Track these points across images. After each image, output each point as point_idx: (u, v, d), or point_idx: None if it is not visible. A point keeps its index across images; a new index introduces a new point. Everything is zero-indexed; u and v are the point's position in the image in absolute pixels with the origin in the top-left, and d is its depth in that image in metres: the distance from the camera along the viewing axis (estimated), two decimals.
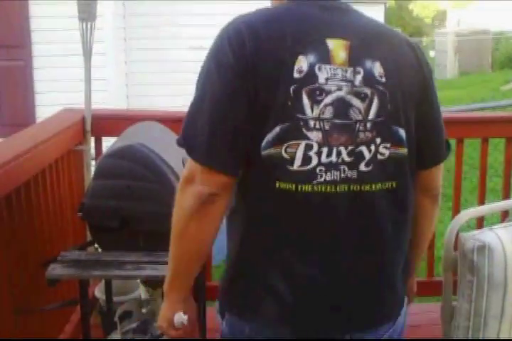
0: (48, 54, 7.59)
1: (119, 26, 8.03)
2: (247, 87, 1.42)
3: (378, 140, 1.49)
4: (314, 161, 1.44)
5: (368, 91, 1.48)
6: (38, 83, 7.77)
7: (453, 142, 3.31)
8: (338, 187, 1.47)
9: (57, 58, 7.50)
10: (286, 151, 1.44)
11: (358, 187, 1.49)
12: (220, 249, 3.54)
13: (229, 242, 1.62)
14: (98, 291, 2.66)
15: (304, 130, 1.43)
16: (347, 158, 1.47)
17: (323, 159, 1.45)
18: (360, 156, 1.48)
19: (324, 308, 1.54)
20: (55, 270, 2.02)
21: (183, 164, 2.19)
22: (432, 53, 27.55)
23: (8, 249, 2.20)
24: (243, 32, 1.46)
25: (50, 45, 7.54)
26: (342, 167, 1.47)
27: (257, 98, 1.42)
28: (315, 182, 1.45)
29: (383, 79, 1.50)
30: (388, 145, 1.51)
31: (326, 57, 1.46)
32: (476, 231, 2.27)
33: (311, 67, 1.44)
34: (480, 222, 3.32)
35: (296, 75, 1.43)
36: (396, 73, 1.53)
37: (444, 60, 23.13)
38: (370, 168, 1.49)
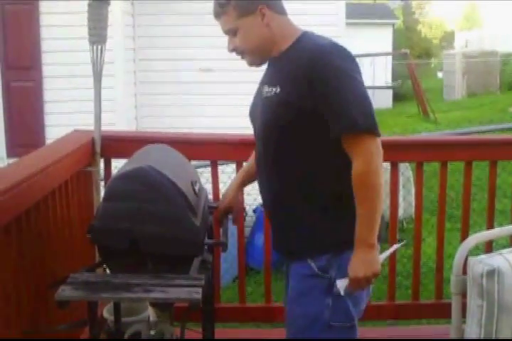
0: (58, 75, 7.65)
1: (128, 47, 8.10)
2: None
3: None
4: None
5: None
6: (48, 104, 7.83)
7: (462, 165, 3.32)
8: None
9: (67, 79, 7.56)
10: None
11: None
12: (225, 270, 3.55)
13: None
14: (106, 312, 2.66)
15: None
16: None
17: None
18: None
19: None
20: (65, 292, 2.02)
21: (192, 186, 2.20)
22: (440, 74, 27.63)
23: (18, 270, 2.20)
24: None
25: (60, 66, 7.61)
26: None
27: None
28: None
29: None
30: None
31: None
32: (484, 256, 2.27)
33: None
34: (489, 244, 3.32)
35: None
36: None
37: (452, 81, 23.17)
38: None
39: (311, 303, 2.15)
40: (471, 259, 2.29)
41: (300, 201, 2.18)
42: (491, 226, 3.24)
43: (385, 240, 2.26)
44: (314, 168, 2.15)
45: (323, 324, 2.13)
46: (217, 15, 2.24)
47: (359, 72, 2.11)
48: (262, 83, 2.29)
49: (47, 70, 7.75)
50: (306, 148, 2.15)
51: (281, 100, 2.12)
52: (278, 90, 2.14)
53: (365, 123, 2.04)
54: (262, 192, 2.32)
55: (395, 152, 3.22)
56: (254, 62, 2.27)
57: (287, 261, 2.34)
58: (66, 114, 7.44)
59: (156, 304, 2.47)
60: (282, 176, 2.20)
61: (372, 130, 2.06)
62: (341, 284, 2.07)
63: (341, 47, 2.15)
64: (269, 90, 2.18)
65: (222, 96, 7.83)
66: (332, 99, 2.05)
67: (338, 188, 2.13)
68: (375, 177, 2.03)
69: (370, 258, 2.05)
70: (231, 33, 2.23)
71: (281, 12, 2.25)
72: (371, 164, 2.03)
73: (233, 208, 2.63)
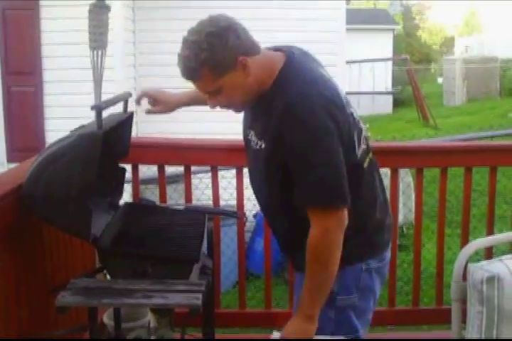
0: (59, 80, 7.66)
1: (128, 53, 8.11)
2: None
3: None
4: None
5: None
6: (48, 109, 7.83)
7: (462, 170, 3.32)
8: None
9: (68, 84, 7.56)
10: None
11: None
12: (225, 275, 3.55)
13: None
14: (107, 317, 2.66)
15: None
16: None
17: None
18: None
19: None
20: (65, 297, 2.02)
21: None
22: (439, 80, 27.64)
23: (18, 275, 2.20)
24: None
25: (60, 71, 7.61)
26: None
27: None
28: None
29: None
30: None
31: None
32: (484, 262, 2.27)
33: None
34: (489, 250, 3.32)
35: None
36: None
37: (452, 87, 23.19)
38: None
39: None
40: (471, 265, 2.29)
41: (300, 223, 2.11)
42: (490, 232, 3.24)
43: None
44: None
45: (326, 335, 2.15)
46: (191, 79, 2.01)
47: (334, 125, 1.94)
48: (247, 125, 2.20)
49: (47, 75, 7.75)
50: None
51: (267, 156, 2.05)
52: (263, 146, 2.05)
53: (322, 199, 1.96)
54: (257, 199, 2.29)
55: (395, 158, 3.23)
56: (243, 109, 2.16)
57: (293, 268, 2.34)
58: (66, 118, 7.43)
59: (156, 309, 2.47)
60: (276, 203, 2.17)
61: (329, 205, 1.96)
62: (276, 335, 2.16)
63: (318, 92, 1.96)
64: (256, 142, 2.09)
65: None
66: (295, 165, 1.97)
67: None
68: (327, 252, 1.98)
69: (305, 328, 2.06)
70: (212, 93, 2.04)
71: (257, 50, 2.03)
72: (325, 239, 1.96)
73: (156, 98, 2.63)
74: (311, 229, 1.98)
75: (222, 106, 2.08)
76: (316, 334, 2.15)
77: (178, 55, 1.99)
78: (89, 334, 2.27)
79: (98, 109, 2.07)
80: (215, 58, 1.91)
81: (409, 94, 21.74)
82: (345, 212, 1.97)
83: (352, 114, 2.07)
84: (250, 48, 1.98)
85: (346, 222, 1.97)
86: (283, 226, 2.21)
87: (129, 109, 2.63)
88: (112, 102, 2.30)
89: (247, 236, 6.51)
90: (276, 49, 2.13)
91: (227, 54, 1.92)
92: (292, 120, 1.93)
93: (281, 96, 1.96)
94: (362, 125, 2.15)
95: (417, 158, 3.31)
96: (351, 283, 2.14)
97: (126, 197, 2.93)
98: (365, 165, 2.11)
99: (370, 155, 2.16)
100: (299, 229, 2.07)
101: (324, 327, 2.13)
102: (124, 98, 2.55)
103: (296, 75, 2.00)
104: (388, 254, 2.26)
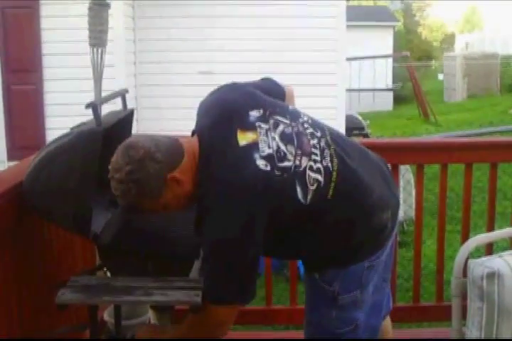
0: (59, 78, 7.66)
1: (129, 51, 8.11)
2: None
3: None
4: None
5: None
6: (48, 107, 7.83)
7: (462, 167, 3.32)
8: None
9: (68, 82, 7.56)
10: None
11: None
12: None
13: None
14: (107, 315, 2.66)
15: None
16: None
17: None
18: None
19: None
20: (65, 295, 2.02)
21: None
22: (440, 76, 27.63)
23: (19, 272, 2.21)
24: None
25: (60, 69, 7.62)
26: None
27: None
28: None
29: None
30: None
31: None
32: (485, 258, 2.27)
33: None
34: (489, 246, 3.32)
35: None
36: None
37: (452, 84, 23.19)
38: None
39: (317, 314, 2.19)
40: (472, 262, 2.29)
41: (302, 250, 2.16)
42: (491, 229, 3.24)
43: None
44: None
45: (329, 333, 2.18)
46: (139, 209, 2.03)
47: (249, 217, 1.92)
48: None
49: (47, 73, 7.76)
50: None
51: None
52: None
53: (212, 296, 1.97)
54: None
55: (396, 154, 3.22)
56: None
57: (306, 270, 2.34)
58: (67, 116, 7.44)
59: (156, 307, 2.48)
60: None
61: (218, 303, 1.97)
62: None
63: (231, 185, 1.92)
64: None
65: None
66: (203, 255, 2.01)
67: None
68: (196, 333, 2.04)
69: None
70: (162, 210, 2.04)
71: (180, 157, 1.97)
72: (198, 331, 2.04)
73: None
74: (198, 312, 2.00)
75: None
76: (319, 332, 2.18)
77: (114, 194, 1.98)
78: (90, 331, 2.28)
79: (94, 106, 2.07)
80: (145, 190, 1.92)
81: (410, 90, 21.75)
82: (238, 308, 2.02)
83: (285, 168, 1.98)
84: (173, 162, 1.95)
85: (227, 320, 2.02)
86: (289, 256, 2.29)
87: (129, 107, 2.63)
88: (108, 99, 2.30)
89: None
90: (193, 133, 2.11)
91: (154, 182, 1.92)
92: (204, 211, 1.96)
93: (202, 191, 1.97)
94: (313, 156, 2.05)
95: (417, 154, 3.31)
96: (353, 281, 2.13)
97: None
98: (330, 193, 2.03)
99: (334, 175, 2.05)
100: (293, 248, 2.14)
101: (327, 326, 2.16)
102: (120, 94, 2.55)
103: (208, 169, 1.97)
104: (389, 243, 2.24)
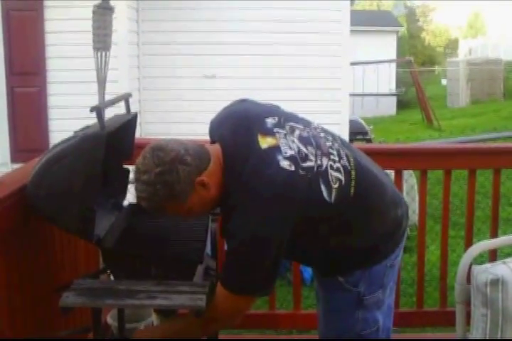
0: (63, 81, 7.67)
1: (132, 54, 8.11)
2: None
3: None
4: None
5: None
6: (52, 109, 7.83)
7: (465, 171, 3.32)
8: None
9: (72, 85, 7.57)
10: None
11: None
12: None
13: None
14: (110, 318, 2.65)
15: None
16: None
17: None
18: None
19: None
20: (69, 298, 2.02)
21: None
22: (443, 82, 27.62)
23: (23, 275, 2.21)
24: None
25: (64, 72, 7.62)
26: None
27: None
28: None
29: None
30: None
31: None
32: (489, 264, 2.26)
33: None
34: (493, 252, 3.31)
35: None
36: None
37: (456, 89, 23.19)
38: None
39: (343, 318, 2.20)
40: (475, 268, 2.29)
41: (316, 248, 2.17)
42: (495, 234, 3.24)
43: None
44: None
45: (354, 335, 2.19)
46: (161, 214, 2.13)
47: (279, 216, 1.95)
48: None
49: (51, 76, 7.75)
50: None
51: None
52: None
53: (229, 284, 2.02)
54: None
55: (399, 160, 3.23)
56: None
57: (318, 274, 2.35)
58: (70, 119, 7.43)
59: (160, 310, 2.47)
60: None
61: (239, 293, 2.02)
62: None
63: (262, 188, 1.95)
64: None
65: (227, 102, 7.80)
66: (228, 249, 2.03)
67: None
68: (214, 327, 2.16)
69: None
70: (185, 214, 2.08)
71: (208, 161, 2.00)
72: (212, 318, 2.07)
73: None
74: (214, 301, 2.04)
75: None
76: (344, 334, 2.19)
77: (138, 197, 1.99)
78: (93, 335, 2.27)
79: (98, 110, 2.07)
80: (173, 192, 1.94)
81: (413, 95, 21.77)
82: (254, 300, 2.08)
83: (309, 168, 2.01)
84: (201, 165, 1.98)
85: (249, 307, 2.10)
86: (299, 255, 2.26)
87: (133, 110, 2.63)
88: (111, 103, 2.31)
89: None
90: (213, 141, 2.14)
91: (183, 184, 1.94)
92: (231, 209, 1.98)
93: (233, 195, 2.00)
94: (331, 156, 2.08)
95: (420, 159, 3.31)
96: (377, 281, 2.16)
97: (130, 198, 2.92)
98: (352, 191, 2.07)
99: (353, 173, 2.09)
100: (316, 251, 2.16)
101: (352, 328, 2.18)
102: (123, 98, 2.55)
103: (234, 172, 2.00)
104: (403, 242, 2.27)
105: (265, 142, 2.00)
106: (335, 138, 2.20)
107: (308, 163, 2.00)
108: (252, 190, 1.94)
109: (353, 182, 2.07)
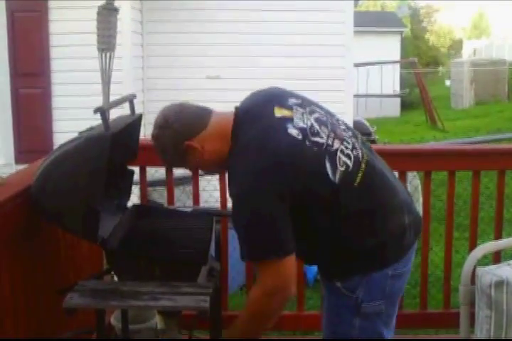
0: (67, 82, 7.67)
1: (137, 55, 8.12)
2: None
3: None
4: None
5: None
6: (56, 110, 7.83)
7: (469, 173, 3.31)
8: None
9: (76, 86, 7.57)
10: None
11: None
12: (232, 278, 3.55)
13: None
14: (114, 319, 2.66)
15: None
16: None
17: None
18: None
19: None
20: (73, 299, 2.03)
21: None
22: (447, 83, 27.57)
23: (27, 276, 2.21)
24: None
25: (69, 73, 7.63)
26: None
27: None
28: None
29: None
30: None
31: None
32: (493, 266, 2.26)
33: None
34: (497, 254, 3.30)
35: None
36: None
37: (460, 90, 23.13)
38: None
39: (339, 323, 2.18)
40: (480, 269, 2.29)
41: (317, 241, 2.15)
42: (499, 236, 3.23)
43: None
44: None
45: None
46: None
47: (273, 186, 1.96)
48: None
49: (55, 77, 7.76)
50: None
51: None
52: None
53: (252, 255, 2.02)
54: None
55: (403, 161, 3.22)
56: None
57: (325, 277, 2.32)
58: (74, 120, 7.43)
59: (163, 312, 2.47)
60: None
61: (263, 259, 2.00)
62: None
63: (263, 152, 1.99)
64: None
65: (231, 103, 7.79)
66: (233, 221, 2.07)
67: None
68: (265, 319, 2.09)
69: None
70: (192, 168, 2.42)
71: (202, 126, 2.11)
72: (264, 305, 2.04)
73: None
74: (254, 287, 2.04)
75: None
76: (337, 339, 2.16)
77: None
78: (97, 335, 2.28)
79: (102, 111, 2.08)
80: (168, 153, 2.15)
81: (417, 96, 21.70)
82: (287, 262, 1.99)
83: (317, 143, 2.03)
84: (190, 132, 2.10)
85: (290, 271, 2.01)
86: (302, 249, 2.18)
87: (137, 111, 2.63)
88: (115, 104, 2.31)
89: None
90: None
91: (172, 147, 2.12)
92: (231, 181, 2.04)
93: (234, 161, 2.06)
94: (345, 142, 2.10)
95: (424, 161, 3.31)
96: (377, 290, 2.12)
97: (134, 199, 2.93)
98: (357, 180, 2.06)
99: (363, 166, 2.09)
100: (317, 245, 2.14)
101: (347, 335, 2.14)
102: (128, 99, 2.56)
103: (244, 134, 2.06)
104: (412, 256, 2.26)
105: (280, 112, 2.06)
106: (356, 135, 2.20)
107: (318, 139, 2.03)
108: (255, 149, 1.99)
109: (360, 174, 2.07)
